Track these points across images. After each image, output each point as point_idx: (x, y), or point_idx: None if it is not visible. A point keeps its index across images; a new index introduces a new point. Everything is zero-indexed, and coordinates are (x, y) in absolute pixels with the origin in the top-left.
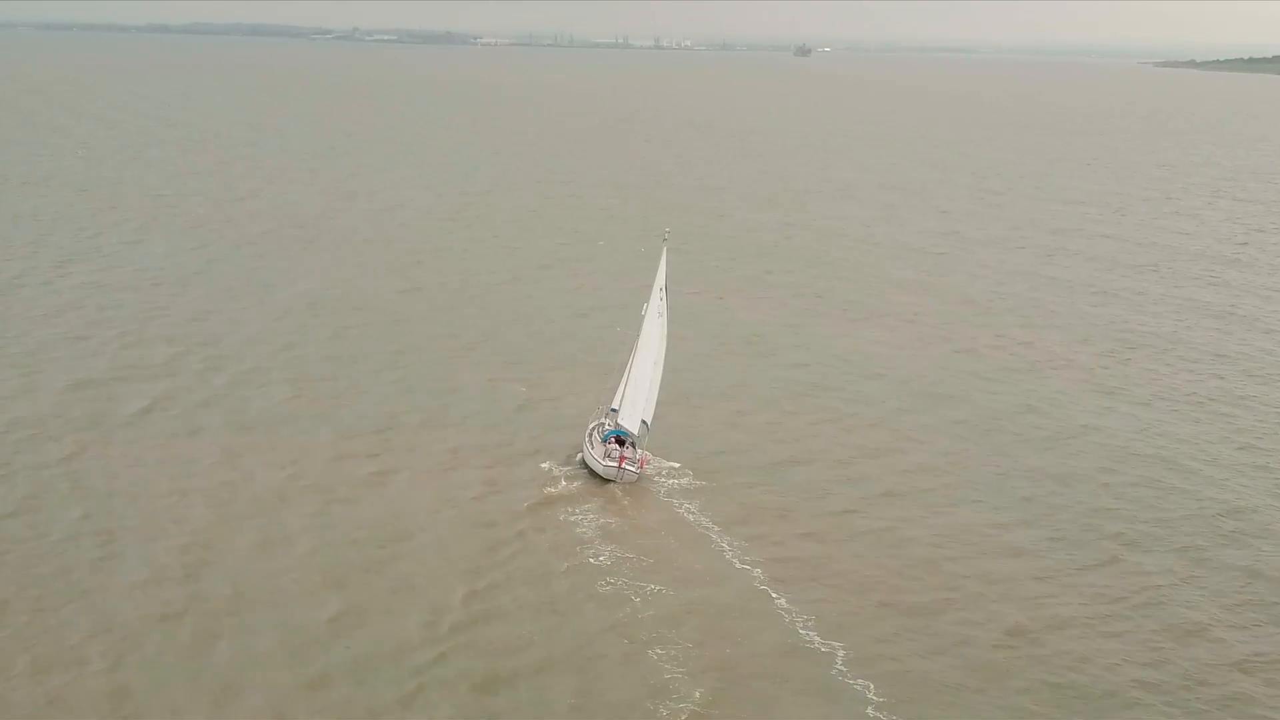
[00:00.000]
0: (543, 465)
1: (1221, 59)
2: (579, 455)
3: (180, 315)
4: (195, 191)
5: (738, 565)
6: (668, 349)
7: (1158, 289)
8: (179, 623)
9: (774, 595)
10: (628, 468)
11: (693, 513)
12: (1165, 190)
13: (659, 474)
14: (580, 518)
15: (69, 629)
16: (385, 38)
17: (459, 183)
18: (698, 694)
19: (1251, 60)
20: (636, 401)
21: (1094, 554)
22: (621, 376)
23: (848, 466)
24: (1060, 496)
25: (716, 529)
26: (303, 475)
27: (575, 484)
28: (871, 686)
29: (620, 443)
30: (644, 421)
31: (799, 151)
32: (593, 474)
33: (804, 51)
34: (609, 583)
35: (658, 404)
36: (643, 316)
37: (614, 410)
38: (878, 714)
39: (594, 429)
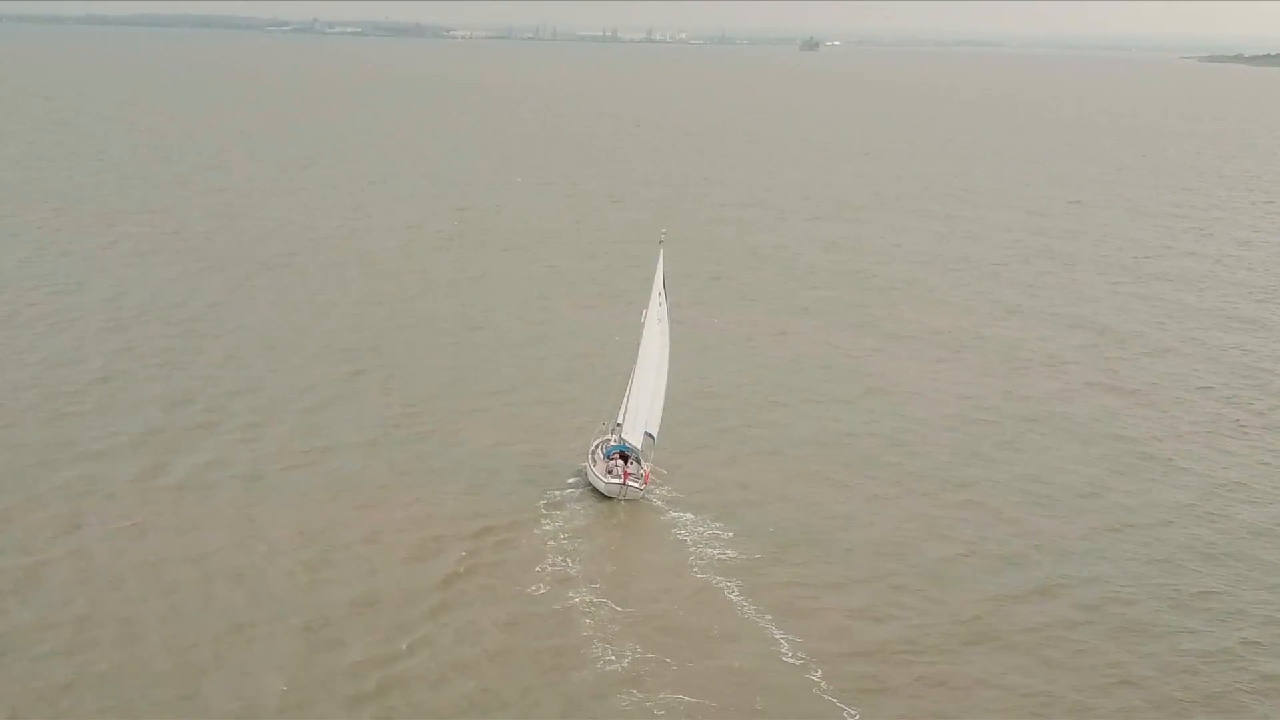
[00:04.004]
0: (546, 510)
1: (1272, 53)
2: (582, 472)
3: (168, 354)
4: (172, 206)
5: (786, 660)
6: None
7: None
8: None
9: (844, 710)
10: (631, 484)
11: (734, 593)
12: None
13: (695, 542)
14: (597, 598)
15: None
16: (349, 30)
17: (455, 195)
18: None
19: None
20: (639, 413)
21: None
22: (624, 389)
23: (916, 535)
24: (1164, 585)
25: (767, 617)
26: (333, 543)
27: (581, 558)
28: None
29: (624, 458)
30: (648, 434)
31: (831, 160)
32: (597, 493)
33: (811, 45)
34: (633, 694)
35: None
36: (642, 324)
37: (618, 425)
38: None
39: (597, 445)
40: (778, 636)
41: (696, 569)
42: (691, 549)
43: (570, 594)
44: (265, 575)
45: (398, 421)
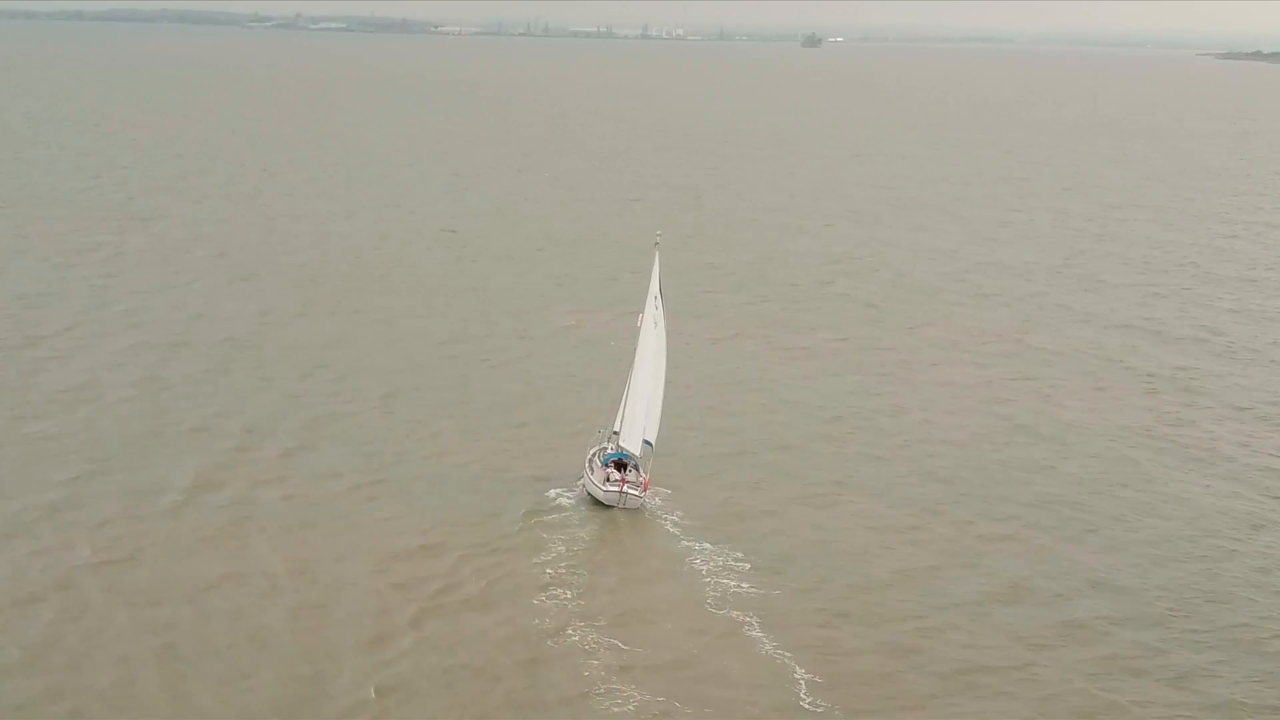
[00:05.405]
0: (548, 531)
1: None
2: (580, 483)
3: (185, 376)
4: (170, 211)
5: (807, 707)
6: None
7: None
8: None
9: None
10: (630, 491)
11: (753, 630)
12: None
13: (711, 572)
14: (604, 635)
15: None
16: (332, 25)
17: (453, 202)
18: None
19: None
20: (636, 420)
21: None
22: (620, 396)
23: (981, 573)
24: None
25: (787, 655)
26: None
27: (587, 588)
28: None
29: (621, 466)
30: (646, 441)
31: (846, 162)
32: (596, 503)
33: (813, 42)
34: None
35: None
36: (638, 328)
37: (615, 433)
38: None
39: (594, 454)
40: (799, 676)
41: (712, 603)
42: (707, 580)
43: (575, 630)
44: (263, 612)
45: (398, 445)
